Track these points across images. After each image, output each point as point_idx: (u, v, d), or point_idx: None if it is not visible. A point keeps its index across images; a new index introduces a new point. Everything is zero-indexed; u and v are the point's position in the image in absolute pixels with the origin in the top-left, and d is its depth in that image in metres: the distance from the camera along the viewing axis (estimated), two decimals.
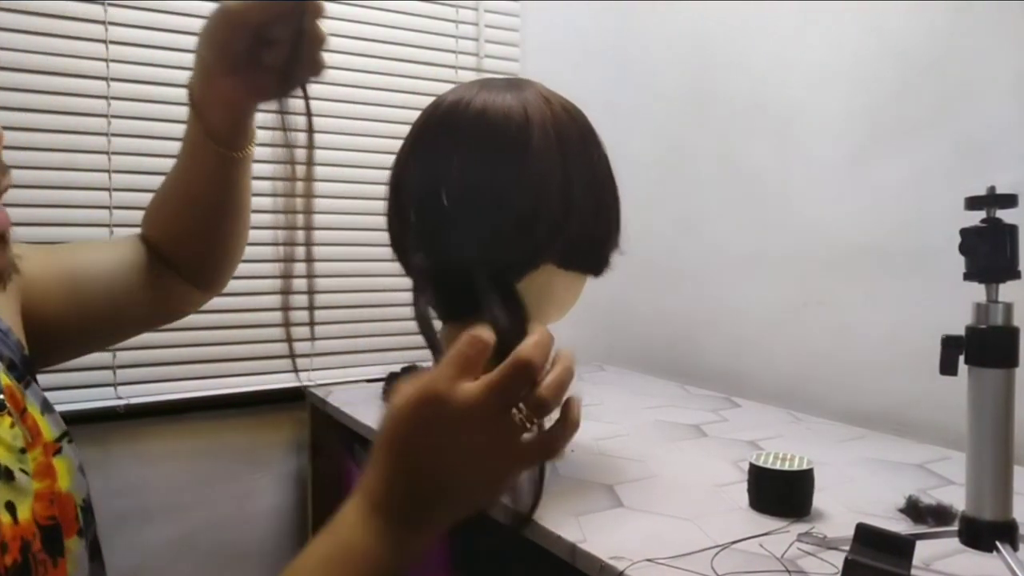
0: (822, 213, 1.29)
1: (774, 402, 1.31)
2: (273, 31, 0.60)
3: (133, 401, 1.27)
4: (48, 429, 0.58)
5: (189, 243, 0.73)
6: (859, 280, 1.23)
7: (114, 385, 1.27)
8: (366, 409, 1.22)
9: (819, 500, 0.79)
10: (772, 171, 1.38)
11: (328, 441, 1.34)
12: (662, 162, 1.63)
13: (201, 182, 0.70)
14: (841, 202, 1.26)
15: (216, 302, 1.33)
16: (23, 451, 0.52)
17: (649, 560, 0.66)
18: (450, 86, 0.83)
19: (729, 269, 1.47)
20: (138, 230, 0.75)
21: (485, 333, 0.49)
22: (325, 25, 0.60)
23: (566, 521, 0.75)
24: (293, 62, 0.60)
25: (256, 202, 0.74)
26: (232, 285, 1.43)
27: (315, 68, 0.62)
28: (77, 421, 1.02)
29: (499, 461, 0.48)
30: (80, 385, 1.25)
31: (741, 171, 1.44)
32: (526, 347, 0.48)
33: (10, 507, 0.49)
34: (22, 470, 0.52)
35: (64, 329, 0.67)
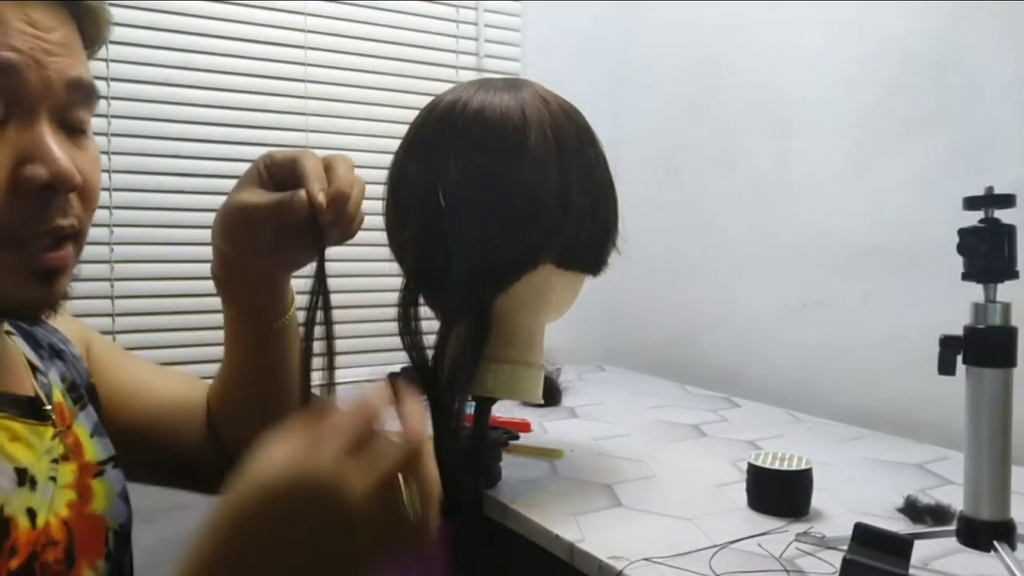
0: (822, 213, 1.29)
1: (774, 402, 1.31)
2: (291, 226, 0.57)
3: None
4: (93, 451, 0.59)
5: (237, 423, 0.69)
6: (859, 280, 1.23)
7: None
8: None
9: (818, 500, 0.80)
10: (772, 171, 1.38)
11: None
12: (662, 162, 1.63)
13: (248, 361, 0.67)
14: (840, 202, 1.26)
15: (212, 302, 1.34)
16: (55, 461, 0.53)
17: (647, 560, 0.66)
18: (450, 86, 0.83)
19: (729, 269, 1.47)
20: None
21: (379, 404, 0.43)
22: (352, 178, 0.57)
23: (565, 521, 0.75)
24: (322, 231, 0.58)
25: None
26: None
27: (347, 228, 0.60)
28: None
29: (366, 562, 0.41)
30: None
31: (741, 171, 1.44)
32: (419, 438, 0.43)
33: (30, 513, 0.50)
34: (51, 478, 0.52)
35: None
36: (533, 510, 0.78)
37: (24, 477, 0.50)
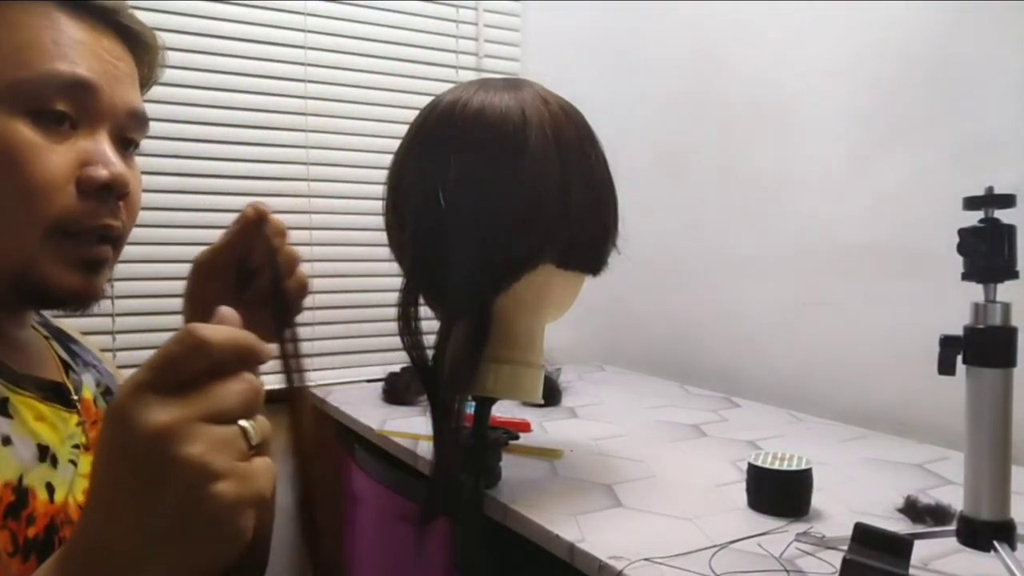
0: (822, 213, 1.29)
1: (774, 402, 1.31)
2: (247, 269, 0.61)
3: None
4: None
5: None
6: (859, 280, 1.23)
7: None
8: (367, 409, 1.22)
9: (818, 500, 0.80)
10: (772, 171, 1.38)
11: (327, 441, 1.34)
12: (662, 162, 1.63)
13: None
14: (841, 202, 1.26)
15: None
16: (76, 447, 0.56)
17: (647, 560, 0.66)
18: (450, 86, 0.83)
19: (729, 269, 1.47)
20: None
21: (206, 329, 0.35)
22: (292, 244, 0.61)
23: (565, 520, 0.75)
24: (277, 291, 0.57)
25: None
26: None
27: (302, 289, 0.61)
28: None
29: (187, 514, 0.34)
30: None
31: (741, 171, 1.44)
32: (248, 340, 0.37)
33: (49, 488, 0.52)
34: (71, 461, 0.55)
35: None
36: (533, 510, 0.78)
37: (46, 454, 0.53)
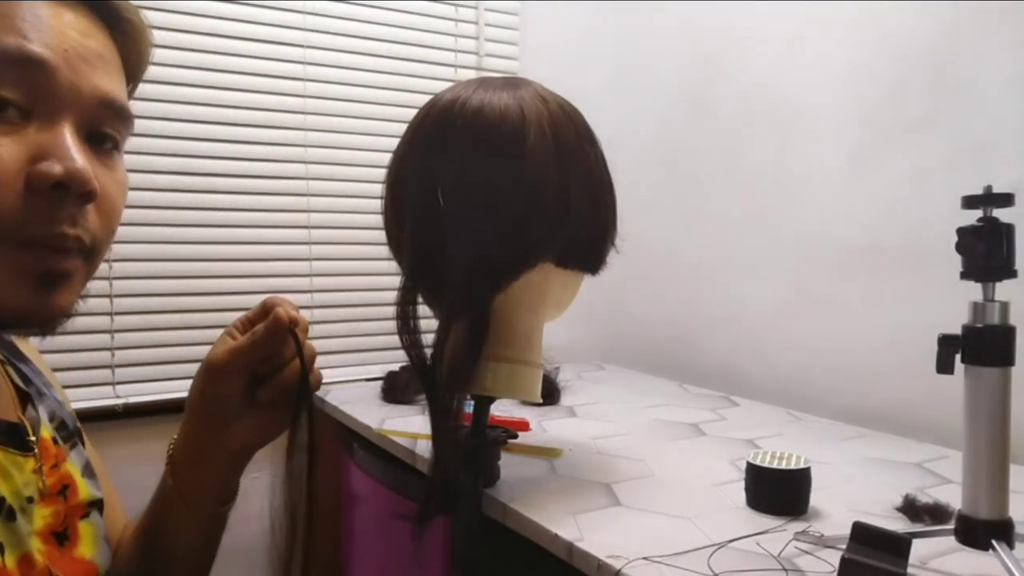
0: (821, 213, 1.29)
1: (773, 401, 1.31)
2: (265, 366, 0.59)
3: (131, 400, 1.28)
4: (86, 490, 0.58)
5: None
6: (858, 279, 1.23)
7: (112, 384, 1.28)
8: (365, 408, 1.22)
9: (817, 499, 0.80)
10: (772, 171, 1.38)
11: (326, 440, 1.34)
12: (662, 161, 1.63)
13: (183, 538, 0.65)
14: (840, 202, 1.26)
15: (211, 301, 1.34)
16: (30, 500, 0.50)
17: (646, 559, 0.66)
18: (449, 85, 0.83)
19: (729, 268, 1.47)
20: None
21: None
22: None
23: (563, 519, 0.75)
24: (304, 390, 0.60)
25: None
26: (224, 286, 1.43)
27: (318, 384, 0.62)
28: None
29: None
30: (79, 384, 1.25)
31: (741, 170, 1.45)
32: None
33: (1, 550, 0.46)
34: (24, 513, 0.50)
35: None
36: (532, 509, 0.78)
37: (1, 508, 0.47)
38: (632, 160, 1.65)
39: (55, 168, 0.43)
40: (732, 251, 1.47)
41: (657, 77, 1.65)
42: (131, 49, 0.51)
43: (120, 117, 0.49)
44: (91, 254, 0.48)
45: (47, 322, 0.46)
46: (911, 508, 0.78)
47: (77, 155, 0.44)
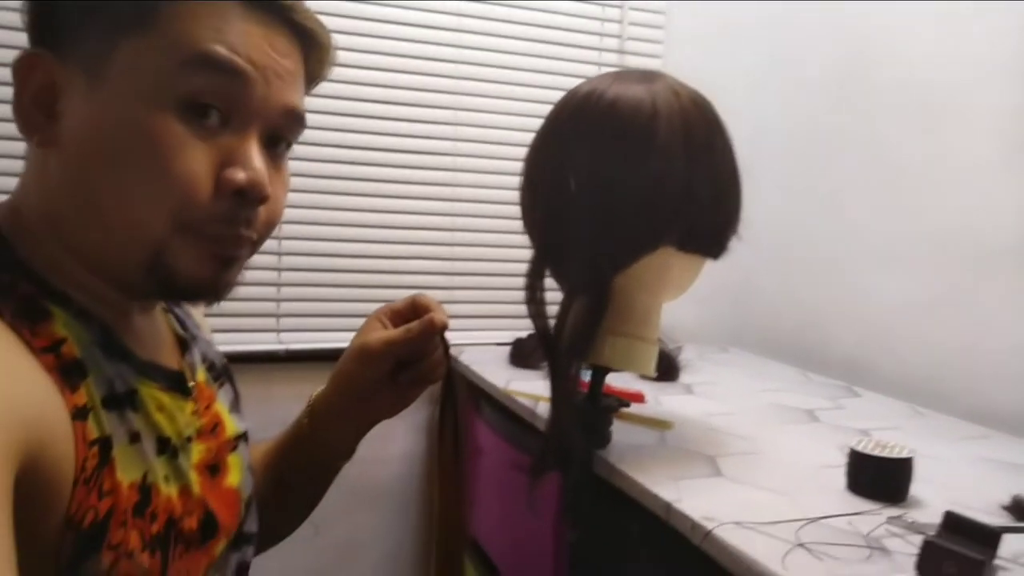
0: (967, 209, 1.25)
1: (899, 395, 1.30)
2: (409, 356, 0.71)
3: (293, 347, 1.45)
4: (233, 426, 0.66)
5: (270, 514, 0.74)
6: (998, 279, 1.19)
7: (277, 331, 1.45)
8: (494, 369, 1.32)
9: (920, 490, 0.81)
10: (919, 163, 1.34)
11: (457, 396, 1.46)
12: (804, 150, 1.61)
13: (301, 472, 0.77)
14: (989, 199, 1.21)
15: (364, 264, 1.48)
16: (189, 440, 0.57)
17: (737, 523, 0.71)
18: None
19: (865, 257, 1.45)
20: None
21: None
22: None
23: (665, 483, 0.81)
24: (432, 371, 0.74)
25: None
26: (376, 250, 1.57)
27: (442, 369, 0.75)
28: (243, 360, 1.18)
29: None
30: (246, 329, 1.43)
31: (884, 162, 1.41)
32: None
33: (167, 481, 0.52)
34: (186, 452, 0.57)
35: None
36: (637, 471, 0.84)
37: (165, 446, 0.53)
38: (775, 150, 1.65)
39: (239, 176, 0.50)
40: (869, 243, 1.44)
41: (803, 68, 1.63)
42: (317, 67, 0.57)
43: (298, 123, 0.55)
44: (256, 244, 0.55)
45: (221, 293, 0.54)
46: (1018, 507, 0.78)
47: (259, 164, 0.51)
